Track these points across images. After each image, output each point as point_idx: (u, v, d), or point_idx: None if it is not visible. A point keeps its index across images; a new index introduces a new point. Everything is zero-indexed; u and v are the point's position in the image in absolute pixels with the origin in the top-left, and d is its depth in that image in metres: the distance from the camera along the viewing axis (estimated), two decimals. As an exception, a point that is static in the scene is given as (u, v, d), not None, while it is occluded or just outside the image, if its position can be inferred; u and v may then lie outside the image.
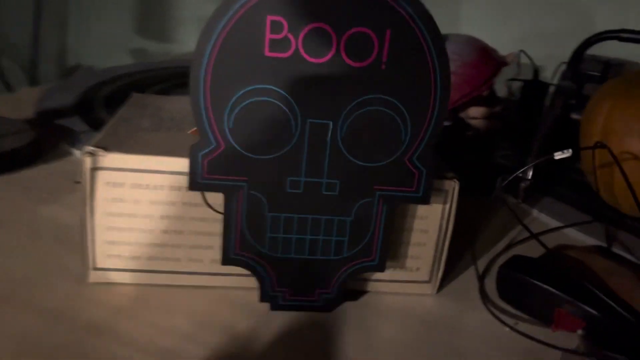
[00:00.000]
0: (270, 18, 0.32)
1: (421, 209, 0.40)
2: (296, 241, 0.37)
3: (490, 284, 0.44)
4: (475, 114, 0.80)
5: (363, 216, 0.37)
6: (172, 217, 0.38)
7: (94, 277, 0.39)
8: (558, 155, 0.40)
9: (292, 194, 0.36)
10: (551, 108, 0.72)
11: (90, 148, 0.36)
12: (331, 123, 0.34)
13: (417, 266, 0.42)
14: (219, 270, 0.39)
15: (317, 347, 0.36)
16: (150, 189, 0.37)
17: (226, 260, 0.37)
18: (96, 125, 0.72)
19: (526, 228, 0.38)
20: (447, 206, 0.40)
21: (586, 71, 0.84)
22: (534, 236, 0.38)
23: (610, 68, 0.83)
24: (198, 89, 0.33)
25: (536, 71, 0.98)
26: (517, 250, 0.50)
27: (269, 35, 0.32)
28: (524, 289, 0.41)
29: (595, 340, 0.38)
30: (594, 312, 0.37)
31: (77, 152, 0.63)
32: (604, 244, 0.53)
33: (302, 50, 0.33)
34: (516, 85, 1.00)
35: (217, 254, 0.39)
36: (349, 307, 0.40)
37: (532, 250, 0.47)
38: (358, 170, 0.36)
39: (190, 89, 0.33)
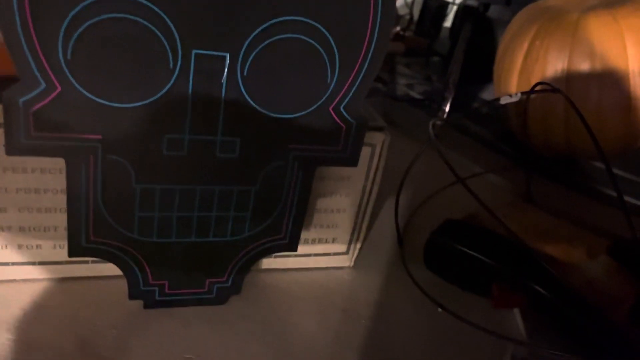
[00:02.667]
0: None
1: (343, 170, 0.31)
2: (178, 221, 0.27)
3: (413, 242, 0.37)
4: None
5: (272, 184, 0.27)
6: (-13, 189, 0.26)
7: None
8: (505, 100, 0.33)
9: (171, 158, 0.25)
10: (462, 33, 0.65)
11: None
12: (228, 56, 0.23)
13: (333, 236, 0.34)
14: (67, 258, 0.28)
15: (211, 351, 0.27)
16: (-54, 149, 0.24)
17: (75, 250, 0.26)
18: None
19: (455, 174, 0.31)
20: (374, 164, 0.32)
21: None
22: (462, 182, 0.32)
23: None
24: (8, -5, 0.20)
25: (438, -12, 0.90)
26: (439, 199, 0.43)
27: None
28: (457, 259, 0.34)
29: (537, 320, 0.33)
30: (538, 288, 0.32)
31: None
32: (522, 190, 0.49)
33: (182, -59, 0.21)
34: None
35: (62, 236, 0.28)
36: (247, 293, 0.31)
37: (452, 200, 0.41)
38: (266, 123, 0.25)
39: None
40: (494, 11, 0.77)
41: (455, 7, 0.87)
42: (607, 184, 0.52)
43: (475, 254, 0.33)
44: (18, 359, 0.25)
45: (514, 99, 0.33)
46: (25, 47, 0.20)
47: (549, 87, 0.35)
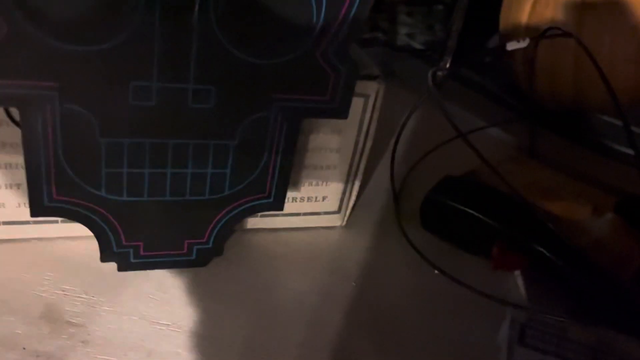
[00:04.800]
0: None
1: (333, 123, 0.28)
2: (150, 177, 0.24)
3: (409, 201, 0.35)
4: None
5: (252, 138, 0.25)
6: (-61, 143, 0.23)
7: None
8: (512, 46, 0.30)
9: (139, 108, 0.22)
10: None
11: None
12: (198, -9, 0.21)
13: (323, 194, 0.31)
14: (35, 218, 0.26)
15: (188, 317, 0.25)
16: None
17: (37, 209, 0.24)
18: None
19: (456, 128, 0.29)
20: (367, 116, 0.29)
21: None
22: (462, 136, 0.29)
23: None
24: None
25: None
26: (437, 155, 0.41)
27: None
28: (455, 218, 0.32)
29: (539, 283, 0.31)
30: (540, 248, 0.30)
31: None
32: (526, 145, 0.47)
33: None
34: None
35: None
36: (230, 254, 0.29)
37: (452, 156, 0.38)
38: (245, 69, 0.23)
39: None
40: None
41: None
42: (614, 139, 0.49)
43: (474, 213, 0.31)
44: (-20, 325, 0.23)
45: (522, 45, 0.30)
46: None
47: (560, 32, 0.32)
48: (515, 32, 0.49)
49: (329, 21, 0.23)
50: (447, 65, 0.47)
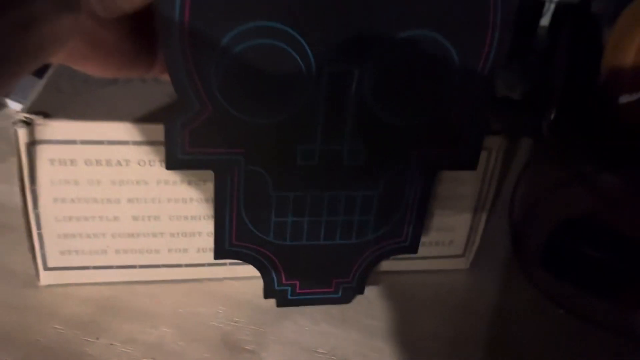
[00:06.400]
0: None
1: (459, 174, 0.32)
2: (309, 225, 0.29)
3: (530, 243, 0.37)
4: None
5: (394, 188, 0.29)
6: (145, 200, 0.29)
7: (46, 278, 0.31)
8: (625, 99, 0.32)
9: (304, 167, 0.27)
10: (561, 30, 0.64)
11: (23, 115, 0.26)
12: (356, 72, 0.25)
13: (450, 239, 0.34)
14: (208, 260, 0.31)
15: (340, 347, 0.29)
16: (112, 166, 0.28)
17: (220, 253, 0.29)
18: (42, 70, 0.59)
19: (577, 169, 0.30)
20: (490, 168, 0.32)
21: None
22: (587, 177, 0.31)
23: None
24: (171, 31, 0.23)
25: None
26: (553, 199, 0.43)
27: (270, -52, 0.22)
28: (578, 260, 0.34)
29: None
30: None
31: (13, 104, 0.51)
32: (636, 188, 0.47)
33: (317, -30, 0.23)
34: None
35: (205, 241, 0.31)
36: (368, 293, 0.32)
37: (567, 199, 0.40)
38: (390, 131, 0.27)
39: (158, 30, 0.23)
40: (597, 5, 0.74)
41: (553, 5, 0.84)
42: None
43: (600, 255, 0.33)
44: (176, 349, 0.28)
45: (634, 98, 0.32)
46: (184, 75, 0.23)
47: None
48: (620, 79, 0.50)
49: (466, 83, 0.26)
50: (553, 115, 0.50)
